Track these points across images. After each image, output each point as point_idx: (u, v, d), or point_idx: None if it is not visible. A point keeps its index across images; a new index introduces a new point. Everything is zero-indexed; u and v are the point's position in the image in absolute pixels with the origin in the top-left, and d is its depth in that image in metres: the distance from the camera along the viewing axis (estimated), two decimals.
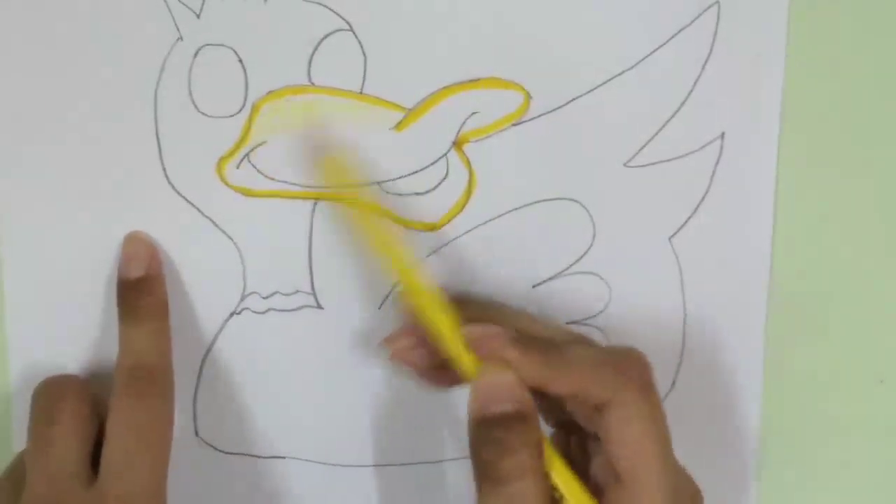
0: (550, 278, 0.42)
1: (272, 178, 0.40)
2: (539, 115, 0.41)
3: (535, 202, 0.42)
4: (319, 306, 0.42)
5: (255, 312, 0.42)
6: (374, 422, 0.43)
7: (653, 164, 0.42)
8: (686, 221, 0.42)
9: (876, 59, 0.42)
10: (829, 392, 0.45)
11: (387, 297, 0.42)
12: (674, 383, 0.44)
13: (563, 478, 0.36)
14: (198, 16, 0.39)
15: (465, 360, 0.37)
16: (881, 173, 0.43)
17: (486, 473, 0.35)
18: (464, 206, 0.41)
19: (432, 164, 0.41)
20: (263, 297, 0.41)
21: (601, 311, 0.43)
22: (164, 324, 0.41)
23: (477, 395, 0.36)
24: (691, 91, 0.41)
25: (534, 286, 0.42)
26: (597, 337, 0.43)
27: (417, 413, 0.43)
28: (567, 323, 0.43)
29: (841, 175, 0.43)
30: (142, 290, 0.40)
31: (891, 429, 0.45)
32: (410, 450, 0.44)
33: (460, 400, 0.42)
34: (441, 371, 0.38)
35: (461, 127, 0.41)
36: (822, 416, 0.45)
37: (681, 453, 0.37)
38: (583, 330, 0.43)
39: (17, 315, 0.41)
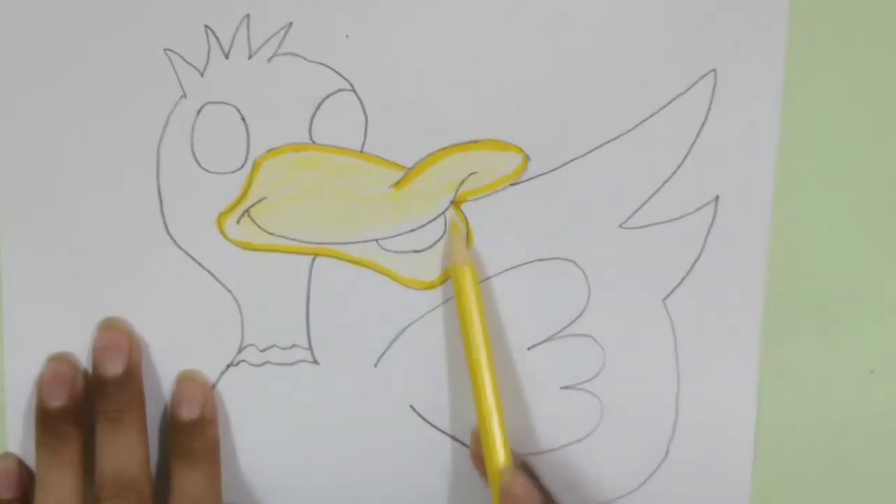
0: (545, 340, 0.42)
1: (271, 233, 0.41)
2: (536, 176, 0.41)
3: (531, 261, 0.42)
4: (315, 361, 0.42)
5: (251, 365, 0.42)
6: (365, 479, 0.43)
7: (648, 225, 0.42)
8: (680, 283, 0.42)
9: (873, 113, 0.42)
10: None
11: (382, 355, 0.42)
12: (667, 452, 0.43)
13: None
14: (202, 74, 0.39)
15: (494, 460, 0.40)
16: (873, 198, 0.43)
17: None
18: None
19: (430, 222, 0.41)
20: (260, 350, 0.42)
21: (595, 376, 0.43)
22: (217, 466, 0.41)
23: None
24: (687, 155, 0.41)
25: (528, 348, 0.42)
26: (592, 406, 0.43)
27: (408, 474, 0.43)
28: (561, 388, 0.43)
29: (831, 204, 0.43)
30: (195, 433, 0.41)
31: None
32: None
33: (454, 464, 0.43)
34: None
35: (459, 186, 0.41)
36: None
37: None
38: (577, 396, 0.43)
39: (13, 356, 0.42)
